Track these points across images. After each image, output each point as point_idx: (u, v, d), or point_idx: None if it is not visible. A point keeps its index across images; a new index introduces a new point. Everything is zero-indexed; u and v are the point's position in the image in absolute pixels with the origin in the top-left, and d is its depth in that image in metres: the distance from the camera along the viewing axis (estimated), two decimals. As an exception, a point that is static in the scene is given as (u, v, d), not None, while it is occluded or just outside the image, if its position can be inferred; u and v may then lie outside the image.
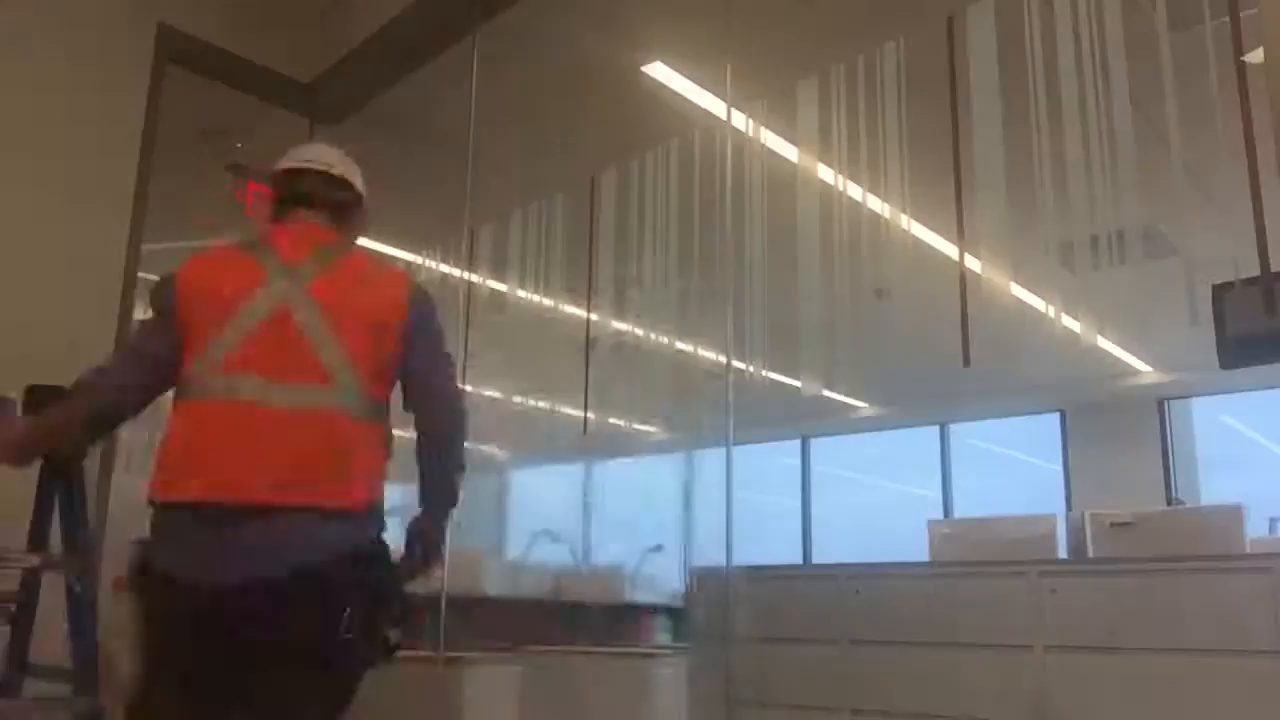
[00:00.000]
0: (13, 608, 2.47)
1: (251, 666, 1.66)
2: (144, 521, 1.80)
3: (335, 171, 2.07)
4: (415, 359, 1.92)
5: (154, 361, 1.87)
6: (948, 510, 9.57)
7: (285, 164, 2.08)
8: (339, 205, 2.04)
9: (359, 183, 2.12)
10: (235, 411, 1.76)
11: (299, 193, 2.02)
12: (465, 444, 2.09)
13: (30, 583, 2.48)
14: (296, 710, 1.69)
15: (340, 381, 1.81)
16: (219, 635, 1.65)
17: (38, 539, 2.49)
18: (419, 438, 2.03)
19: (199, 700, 1.68)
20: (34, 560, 2.42)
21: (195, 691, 1.69)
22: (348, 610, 1.69)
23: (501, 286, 4.25)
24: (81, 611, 2.39)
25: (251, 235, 2.02)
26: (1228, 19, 2.34)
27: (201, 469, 1.73)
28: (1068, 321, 2.70)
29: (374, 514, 1.84)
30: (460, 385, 2.18)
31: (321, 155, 2.11)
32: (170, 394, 1.86)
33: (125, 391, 1.89)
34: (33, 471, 2.46)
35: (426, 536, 2.03)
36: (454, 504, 2.10)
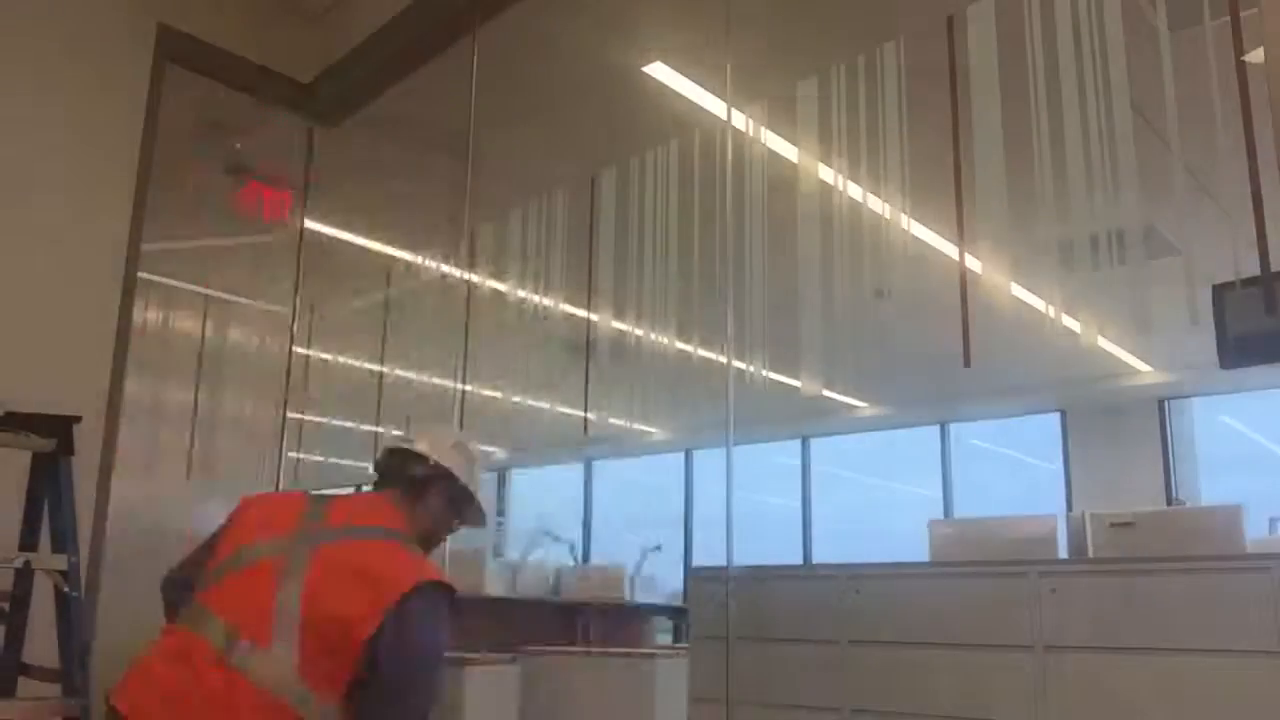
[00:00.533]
0: (5, 606, 2.48)
1: None
2: (141, 520, 1.81)
3: (417, 448, 2.16)
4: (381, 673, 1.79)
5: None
6: (948, 510, 9.57)
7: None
8: (412, 480, 2.13)
9: (443, 456, 2.17)
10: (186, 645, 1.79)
11: (379, 467, 2.19)
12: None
13: (22, 583, 2.49)
14: None
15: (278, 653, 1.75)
16: None
17: (27, 539, 2.51)
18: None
19: None
20: (20, 560, 2.43)
21: None
22: None
23: (502, 286, 4.26)
24: (69, 612, 2.40)
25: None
26: (1228, 19, 2.34)
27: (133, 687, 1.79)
28: (1068, 321, 2.70)
29: None
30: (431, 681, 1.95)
31: (419, 435, 2.21)
32: None
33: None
34: (21, 473, 2.46)
35: None
36: None
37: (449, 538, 2.30)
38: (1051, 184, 2.54)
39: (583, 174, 4.18)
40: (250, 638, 1.76)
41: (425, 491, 2.13)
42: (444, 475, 2.16)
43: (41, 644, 2.47)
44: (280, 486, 3.66)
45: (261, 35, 3.82)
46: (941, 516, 9.10)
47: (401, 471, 2.14)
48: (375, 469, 2.19)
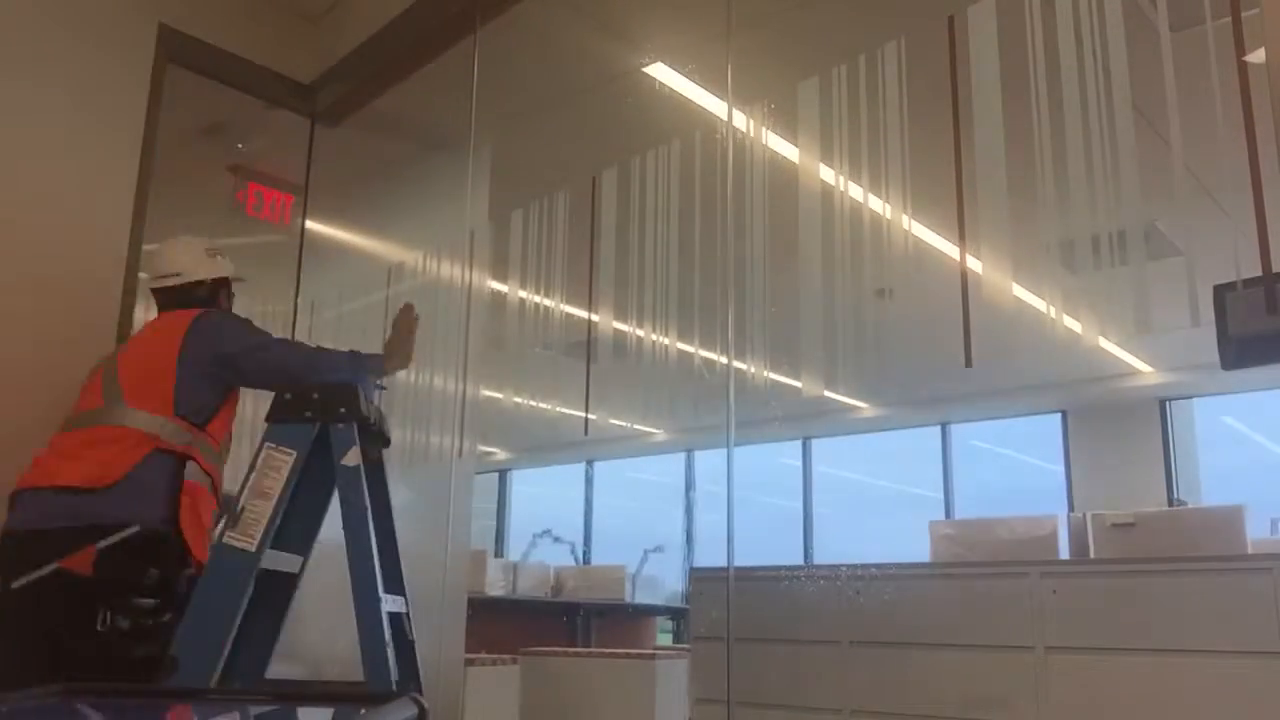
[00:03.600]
0: None
1: None
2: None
3: (169, 283, 2.72)
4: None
5: None
6: (949, 511, 9.57)
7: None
8: (196, 301, 2.68)
9: (214, 269, 2.76)
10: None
11: (162, 301, 2.74)
12: (313, 368, 2.49)
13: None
14: None
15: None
16: None
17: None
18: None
19: None
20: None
21: None
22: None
23: (502, 287, 4.25)
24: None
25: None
26: (1229, 19, 2.33)
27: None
28: (1069, 322, 2.69)
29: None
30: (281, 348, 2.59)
31: (172, 268, 2.74)
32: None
33: None
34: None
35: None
36: (347, 367, 2.51)
37: None
38: (1052, 184, 2.54)
39: (584, 174, 4.18)
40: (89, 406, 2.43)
41: (188, 299, 2.68)
42: (215, 285, 2.76)
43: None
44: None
45: (262, 35, 3.82)
46: (942, 517, 9.10)
47: (181, 301, 2.68)
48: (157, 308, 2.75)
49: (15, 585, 2.13)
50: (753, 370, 3.52)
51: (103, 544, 2.13)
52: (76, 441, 2.36)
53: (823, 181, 3.36)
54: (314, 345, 2.64)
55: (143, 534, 2.20)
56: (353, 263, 3.91)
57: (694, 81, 3.87)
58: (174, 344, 2.46)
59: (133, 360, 2.52)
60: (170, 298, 2.71)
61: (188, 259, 2.76)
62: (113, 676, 2.06)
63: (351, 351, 2.56)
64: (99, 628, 2.08)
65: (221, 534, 2.16)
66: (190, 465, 2.38)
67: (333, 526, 3.70)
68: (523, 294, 4.18)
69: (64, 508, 2.22)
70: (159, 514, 2.28)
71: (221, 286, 2.79)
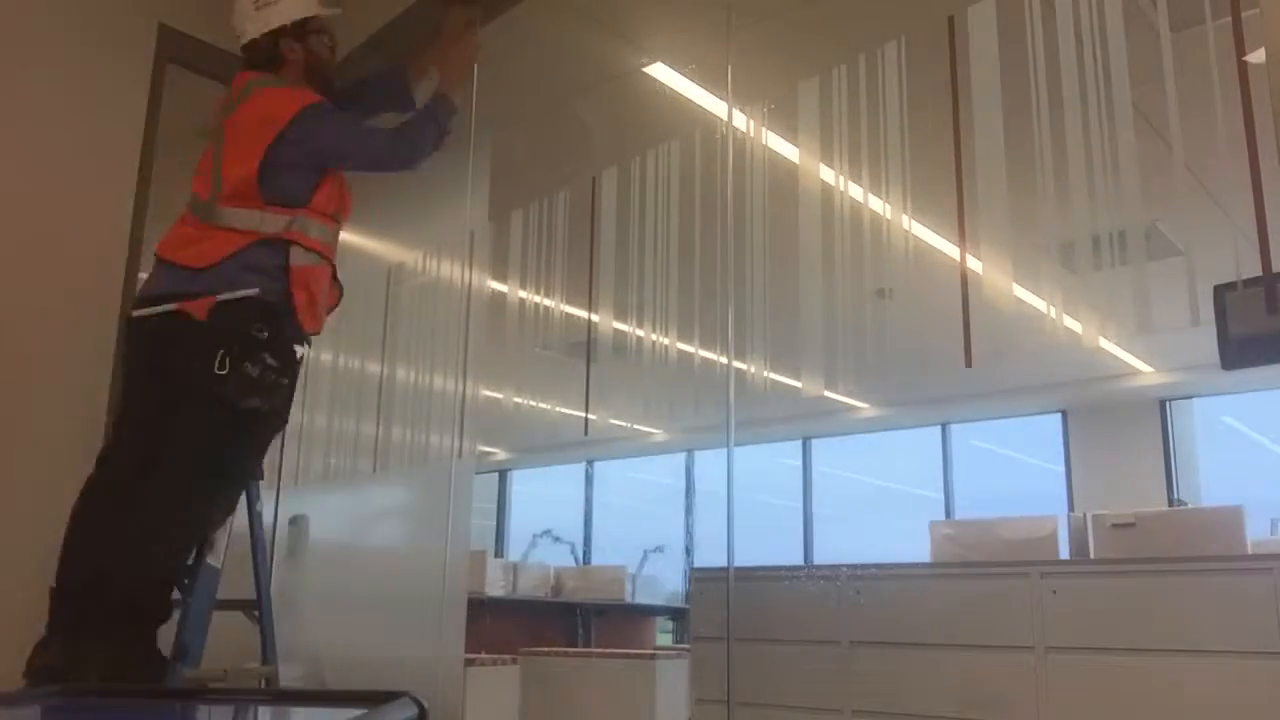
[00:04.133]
0: None
1: None
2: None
3: (245, 39, 2.69)
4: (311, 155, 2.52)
5: None
6: (949, 511, 9.57)
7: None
8: (262, 62, 2.67)
9: (262, 25, 2.67)
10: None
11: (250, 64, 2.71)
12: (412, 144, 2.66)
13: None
14: None
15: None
16: None
17: None
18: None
19: None
20: None
21: None
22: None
23: (502, 287, 4.25)
24: None
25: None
26: (1229, 19, 2.33)
27: None
28: (1069, 322, 2.69)
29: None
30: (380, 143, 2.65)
31: (236, 26, 2.72)
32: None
33: None
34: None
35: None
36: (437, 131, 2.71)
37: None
38: (1052, 184, 2.54)
39: (584, 174, 4.18)
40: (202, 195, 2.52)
41: (277, 61, 2.66)
42: (275, 40, 2.67)
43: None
44: (280, 486, 3.66)
45: (262, 35, 3.81)
46: (942, 517, 9.10)
47: (252, 64, 2.68)
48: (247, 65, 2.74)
49: (136, 314, 2.37)
50: (753, 370, 3.52)
51: (223, 296, 2.27)
52: (192, 228, 2.49)
53: (823, 181, 3.36)
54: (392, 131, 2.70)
55: (260, 298, 2.32)
56: (352, 263, 3.91)
57: (694, 81, 3.86)
58: (268, 134, 2.46)
59: (233, 145, 2.52)
60: (248, 60, 2.71)
61: (238, 20, 2.73)
62: (213, 423, 2.24)
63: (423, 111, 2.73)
64: (217, 369, 2.20)
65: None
66: (294, 250, 2.43)
67: (333, 530, 3.70)
68: (523, 294, 4.18)
69: (184, 279, 2.37)
70: (274, 287, 2.38)
71: (282, 37, 2.68)
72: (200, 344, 2.26)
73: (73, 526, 2.28)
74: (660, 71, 3.85)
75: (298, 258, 2.45)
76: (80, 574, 2.20)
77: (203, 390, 2.24)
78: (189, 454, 2.27)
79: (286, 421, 2.50)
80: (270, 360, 2.29)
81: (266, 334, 2.31)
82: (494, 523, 12.79)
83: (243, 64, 2.72)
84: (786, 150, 3.67)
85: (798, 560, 9.78)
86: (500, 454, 12.06)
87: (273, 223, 2.45)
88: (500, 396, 4.89)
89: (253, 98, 2.59)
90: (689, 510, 11.37)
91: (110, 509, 2.26)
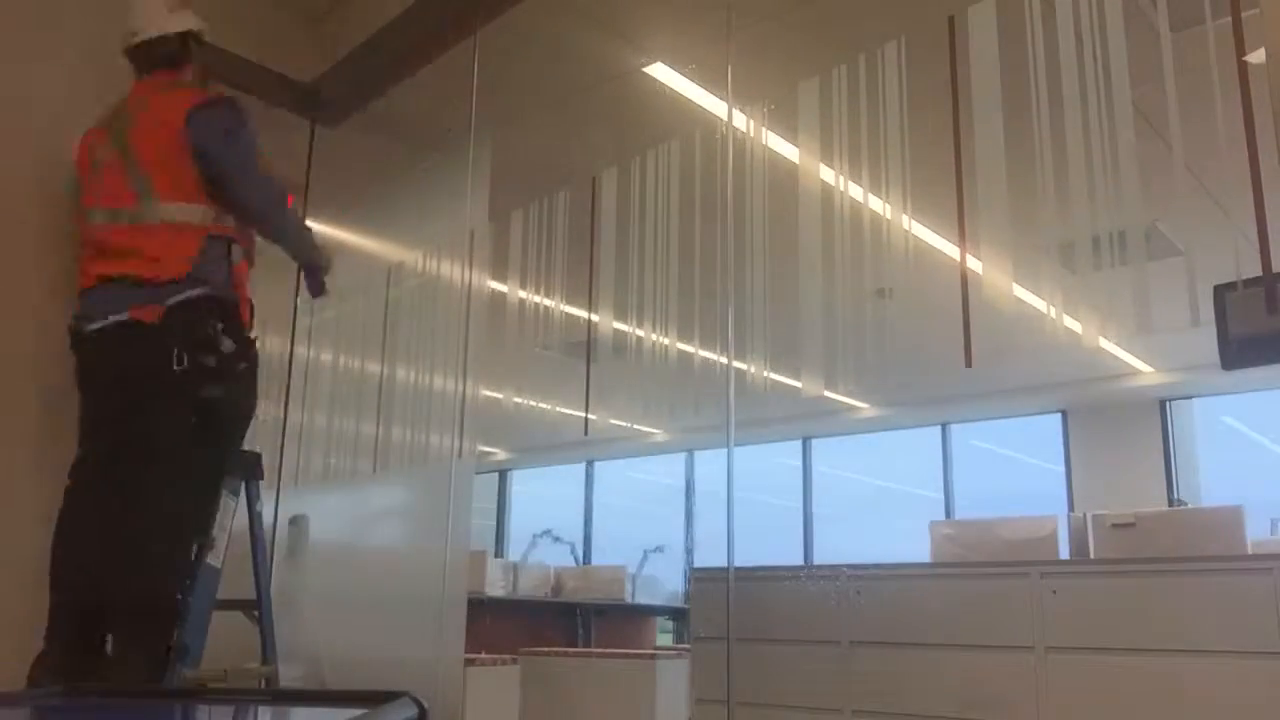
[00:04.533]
0: None
1: None
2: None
3: (151, 35, 2.68)
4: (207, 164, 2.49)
5: None
6: (949, 511, 9.57)
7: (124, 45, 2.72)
8: (165, 58, 2.70)
9: (176, 24, 2.71)
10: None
11: (137, 63, 2.71)
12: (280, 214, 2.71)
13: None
14: None
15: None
16: None
17: None
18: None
19: None
20: None
21: None
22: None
23: (502, 287, 4.25)
24: None
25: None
26: (1229, 19, 2.33)
27: None
28: (1069, 322, 2.69)
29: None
30: (265, 174, 2.64)
31: (136, 25, 2.70)
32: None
33: None
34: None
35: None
36: (291, 237, 2.78)
37: None
38: (1052, 184, 2.54)
39: (584, 174, 4.18)
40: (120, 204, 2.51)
41: (183, 61, 2.71)
42: (183, 40, 2.72)
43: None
44: (280, 486, 3.66)
45: (262, 35, 3.82)
46: (942, 517, 9.10)
47: (151, 58, 2.69)
48: (133, 62, 2.73)
49: (90, 329, 2.38)
50: (752, 370, 3.52)
51: (170, 300, 2.33)
52: (126, 238, 2.45)
53: (823, 182, 3.35)
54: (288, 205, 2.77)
55: (208, 294, 2.39)
56: (352, 262, 3.91)
57: (694, 81, 3.86)
58: (179, 132, 2.50)
59: (148, 149, 2.53)
60: (140, 59, 2.72)
61: (148, 14, 2.74)
62: (179, 420, 2.31)
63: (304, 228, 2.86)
64: (174, 367, 2.28)
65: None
66: (235, 248, 2.51)
67: (333, 530, 3.70)
68: (523, 294, 4.18)
69: (143, 295, 2.37)
70: (221, 283, 2.46)
71: (191, 39, 2.79)
72: (156, 345, 2.32)
73: (62, 539, 2.30)
74: (660, 71, 3.85)
75: (237, 255, 2.53)
76: (83, 586, 2.22)
77: (164, 388, 2.31)
78: (162, 453, 2.32)
79: (254, 407, 2.57)
80: (225, 348, 2.38)
81: (221, 326, 2.39)
82: (494, 523, 12.78)
83: (134, 69, 2.75)
84: (786, 150, 3.67)
85: (798, 560, 9.78)
86: (500, 454, 12.05)
87: (218, 217, 2.51)
88: (500, 396, 4.89)
89: (167, 96, 2.63)
90: (689, 510, 11.36)
91: (98, 519, 2.28)
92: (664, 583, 8.76)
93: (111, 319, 2.37)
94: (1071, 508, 8.55)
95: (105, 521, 2.26)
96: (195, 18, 2.81)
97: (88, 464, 2.39)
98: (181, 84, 2.70)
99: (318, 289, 2.90)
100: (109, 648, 2.22)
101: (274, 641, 2.61)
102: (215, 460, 2.48)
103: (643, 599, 7.88)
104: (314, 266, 2.88)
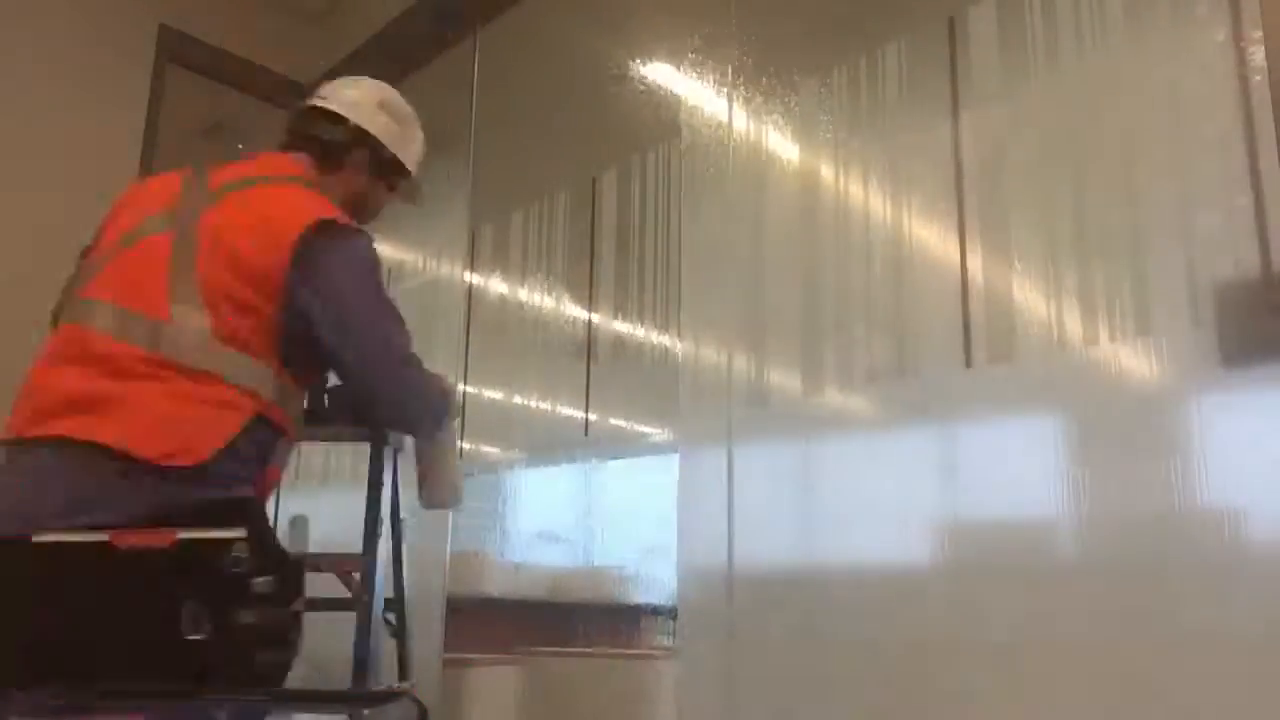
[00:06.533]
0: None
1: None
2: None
3: (329, 106, 1.88)
4: (312, 326, 1.59)
5: None
6: (949, 511, 9.55)
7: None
8: (320, 142, 1.84)
9: (363, 117, 1.89)
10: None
11: (287, 130, 1.87)
12: (427, 407, 1.89)
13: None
14: None
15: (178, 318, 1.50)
16: None
17: None
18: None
19: None
20: None
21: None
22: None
23: (502, 287, 4.26)
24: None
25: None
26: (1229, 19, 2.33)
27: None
28: (1069, 322, 2.69)
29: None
30: (403, 346, 1.80)
31: (329, 90, 1.93)
32: None
33: None
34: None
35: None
36: (426, 426, 1.95)
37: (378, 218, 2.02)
38: (1053, 184, 2.54)
39: (583, 174, 4.18)
40: (144, 310, 1.50)
41: (342, 161, 1.84)
42: (365, 140, 1.89)
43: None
44: (280, 486, 3.66)
45: (262, 35, 3.82)
46: (941, 518, 9.08)
47: (312, 135, 1.83)
48: (286, 134, 1.87)
49: (38, 539, 1.34)
50: (752, 370, 3.52)
51: (183, 535, 1.37)
52: (130, 368, 1.47)
53: (823, 182, 3.36)
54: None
55: (237, 499, 1.50)
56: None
57: (693, 81, 3.86)
58: (285, 249, 1.55)
59: (223, 251, 1.56)
60: (293, 128, 1.87)
61: (343, 92, 1.92)
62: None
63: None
64: (188, 633, 1.37)
65: None
66: (280, 444, 1.63)
67: (333, 530, 3.70)
68: (523, 294, 4.18)
69: (136, 488, 1.41)
70: (244, 488, 1.56)
71: (368, 148, 1.90)
72: (152, 596, 1.37)
73: None
74: (660, 71, 3.85)
75: (279, 454, 1.66)
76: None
77: (167, 669, 1.39)
78: None
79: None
80: (267, 588, 1.40)
81: (249, 551, 1.39)
82: (495, 522, 12.78)
83: (290, 142, 1.88)
84: (787, 150, 3.67)
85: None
86: (500, 454, 12.05)
87: (279, 394, 1.59)
88: (500, 397, 4.89)
89: (285, 189, 1.73)
90: (689, 511, 11.34)
91: None
92: (664, 583, 8.74)
93: (74, 539, 1.34)
94: (1071, 508, 8.53)
95: None
96: (391, 132, 1.99)
97: None
98: (306, 182, 1.79)
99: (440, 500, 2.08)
100: None
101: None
102: None
103: (642, 599, 7.88)
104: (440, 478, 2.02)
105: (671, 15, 3.62)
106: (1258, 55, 2.06)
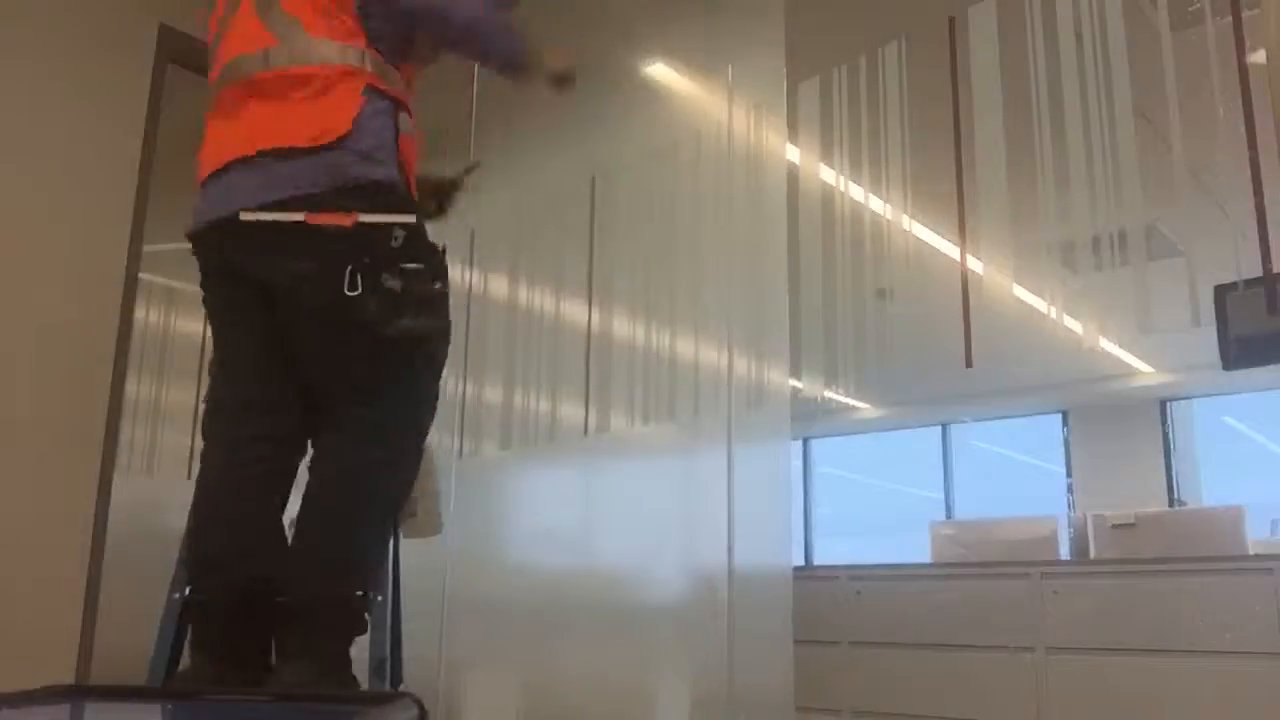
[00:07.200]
0: None
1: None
2: (142, 522, 1.80)
3: None
4: None
5: None
6: (949, 511, 9.57)
7: None
8: None
9: None
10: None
11: None
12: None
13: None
14: None
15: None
16: None
17: None
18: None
19: None
20: None
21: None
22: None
23: (506, 285, 4.25)
24: None
25: None
26: (1229, 19, 2.34)
27: None
28: (1069, 322, 2.69)
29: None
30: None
31: None
32: None
33: None
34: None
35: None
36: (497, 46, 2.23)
37: None
38: (1053, 185, 2.54)
39: (582, 174, 4.18)
40: (258, 46, 1.78)
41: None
42: None
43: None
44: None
45: (262, 36, 3.82)
46: (943, 518, 9.10)
47: None
48: None
49: (245, 217, 1.65)
50: (753, 371, 3.52)
51: (337, 182, 1.66)
52: (265, 88, 1.74)
53: (823, 182, 3.36)
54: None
55: (388, 182, 1.72)
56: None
57: (693, 81, 3.86)
58: None
59: None
60: None
61: None
62: (362, 361, 1.71)
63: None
64: (347, 290, 1.62)
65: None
66: (403, 117, 1.83)
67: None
68: (523, 294, 4.18)
69: (304, 171, 1.67)
70: (390, 165, 1.76)
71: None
72: (323, 258, 1.65)
73: (220, 521, 1.76)
74: (660, 71, 3.84)
75: (405, 125, 1.84)
76: (255, 579, 1.70)
77: (334, 319, 1.67)
78: (352, 408, 1.73)
79: (449, 342, 1.98)
80: (412, 265, 1.71)
81: (404, 233, 1.70)
82: (495, 522, 12.78)
83: None
84: (787, 150, 3.68)
85: (798, 561, 9.79)
86: (501, 453, 12.05)
87: (380, 70, 1.79)
88: (500, 397, 4.89)
89: None
90: (690, 511, 11.35)
91: (268, 495, 1.80)
92: (664, 583, 8.73)
93: (267, 217, 1.66)
94: (1072, 508, 8.55)
95: (277, 503, 1.80)
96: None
97: (224, 415, 1.78)
98: None
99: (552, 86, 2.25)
100: (273, 658, 1.75)
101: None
102: (416, 411, 1.86)
103: (643, 599, 7.86)
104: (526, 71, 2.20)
105: (671, 15, 3.61)
106: (1258, 55, 2.06)
